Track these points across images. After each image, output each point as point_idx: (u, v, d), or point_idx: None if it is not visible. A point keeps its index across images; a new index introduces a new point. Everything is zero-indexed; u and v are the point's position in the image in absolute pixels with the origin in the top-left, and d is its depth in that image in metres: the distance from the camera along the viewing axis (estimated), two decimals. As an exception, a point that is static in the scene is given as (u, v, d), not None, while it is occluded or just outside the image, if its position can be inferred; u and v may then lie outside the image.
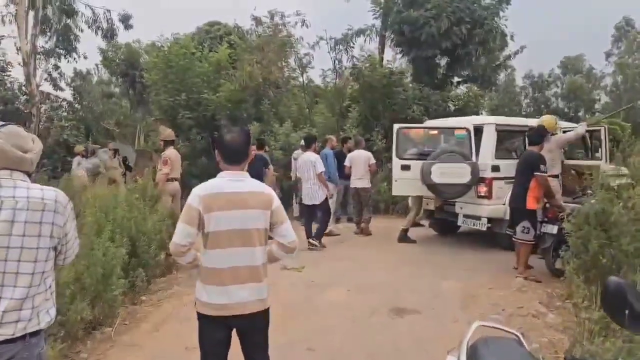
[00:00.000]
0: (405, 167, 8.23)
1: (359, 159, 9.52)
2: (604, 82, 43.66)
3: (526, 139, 7.39)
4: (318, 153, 8.90)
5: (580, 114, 42.11)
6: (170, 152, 7.86)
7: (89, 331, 4.50)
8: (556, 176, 7.11)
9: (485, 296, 5.61)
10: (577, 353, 3.41)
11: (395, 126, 8.51)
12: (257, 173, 7.63)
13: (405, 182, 8.26)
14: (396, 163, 8.35)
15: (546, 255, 6.39)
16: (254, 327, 2.72)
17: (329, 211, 8.72)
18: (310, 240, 8.17)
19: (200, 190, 2.55)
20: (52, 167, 13.95)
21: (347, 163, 9.55)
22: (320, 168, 8.19)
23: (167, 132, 8.37)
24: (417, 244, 8.51)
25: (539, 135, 6.64)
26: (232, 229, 2.54)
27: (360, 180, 9.46)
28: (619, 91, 40.95)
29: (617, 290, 1.41)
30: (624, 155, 6.62)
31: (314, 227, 8.44)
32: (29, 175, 2.20)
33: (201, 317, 2.63)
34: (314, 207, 8.34)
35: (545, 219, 6.32)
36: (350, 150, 9.90)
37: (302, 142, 9.35)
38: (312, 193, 8.23)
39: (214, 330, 2.62)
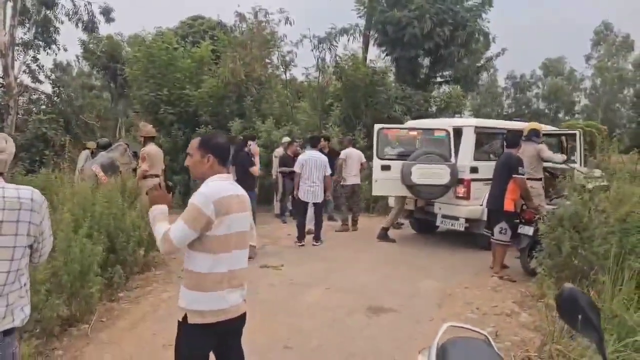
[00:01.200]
0: (386, 167, 8.28)
1: (354, 157, 9.69)
2: (584, 85, 44.52)
3: (504, 141, 7.50)
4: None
5: (560, 115, 42.88)
6: (150, 148, 7.81)
7: (65, 328, 4.47)
8: (539, 179, 7.22)
9: (461, 295, 5.71)
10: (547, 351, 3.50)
11: (376, 126, 8.55)
12: (244, 171, 7.72)
13: (385, 182, 8.32)
14: (376, 163, 8.41)
15: (522, 255, 6.52)
16: (239, 329, 2.73)
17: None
18: (314, 243, 8.46)
19: (211, 194, 2.46)
20: (30, 160, 13.69)
21: (342, 156, 9.69)
22: (329, 170, 8.59)
23: (147, 128, 8.28)
24: (396, 243, 8.58)
25: (517, 137, 6.77)
26: (240, 231, 2.57)
27: (355, 177, 9.68)
28: (598, 94, 41.79)
29: (570, 297, 1.47)
30: (599, 158, 6.80)
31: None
32: (1, 175, 2.20)
33: (193, 328, 2.49)
34: (314, 205, 8.51)
35: (522, 220, 6.44)
36: (342, 149, 10.00)
37: (304, 141, 9.99)
38: (318, 191, 8.43)
39: (207, 340, 2.55)
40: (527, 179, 6.57)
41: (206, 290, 2.47)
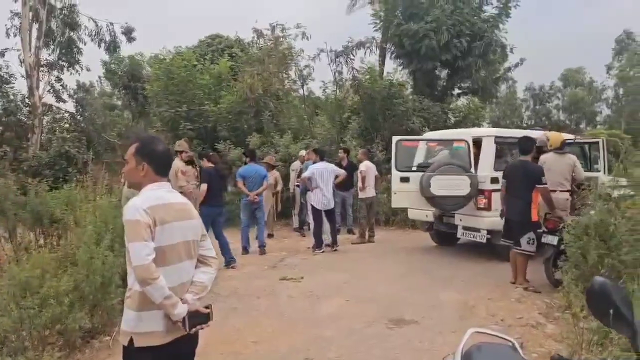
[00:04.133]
0: (405, 179, 8.26)
1: (372, 169, 9.73)
2: (605, 95, 43.88)
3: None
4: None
5: (581, 125, 42.28)
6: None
7: (87, 340, 4.51)
8: (568, 191, 7.04)
9: (484, 307, 5.59)
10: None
11: (394, 138, 8.54)
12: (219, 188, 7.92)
13: (405, 194, 8.30)
14: (395, 175, 8.39)
15: (546, 265, 6.37)
16: (193, 348, 2.49)
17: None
18: (336, 248, 8.87)
19: (143, 203, 2.26)
20: (54, 177, 13.96)
21: (363, 168, 9.63)
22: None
23: (177, 142, 8.69)
24: (415, 255, 8.50)
25: (530, 144, 6.63)
26: (183, 241, 2.37)
27: (372, 189, 9.72)
28: (621, 104, 41.14)
29: (601, 291, 1.41)
30: (623, 166, 6.64)
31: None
32: None
33: (141, 352, 2.27)
34: (328, 212, 8.79)
35: (546, 230, 6.31)
36: (360, 161, 9.98)
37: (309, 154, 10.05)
38: (330, 199, 8.74)
39: None
40: (559, 190, 6.45)
41: (153, 308, 2.24)
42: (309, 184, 8.68)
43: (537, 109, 45.08)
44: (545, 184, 6.25)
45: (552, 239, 6.14)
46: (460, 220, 8.00)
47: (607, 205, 5.19)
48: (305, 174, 8.84)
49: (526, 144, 6.60)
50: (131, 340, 2.27)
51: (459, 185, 7.58)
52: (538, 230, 6.28)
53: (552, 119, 43.80)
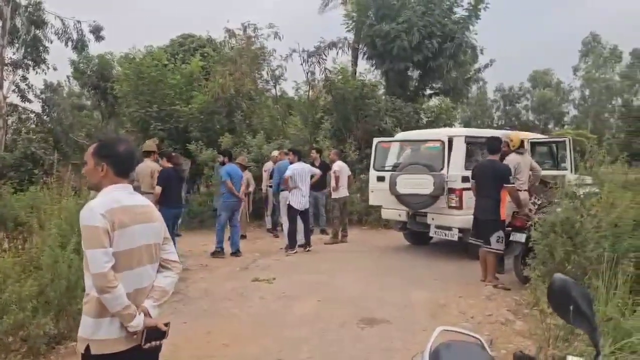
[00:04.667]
0: (381, 179, 8.58)
1: (344, 170, 9.81)
2: (572, 96, 45.05)
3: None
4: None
5: (550, 126, 43.27)
6: (141, 165, 7.89)
7: (53, 346, 4.37)
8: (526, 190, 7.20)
9: (455, 305, 5.65)
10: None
11: (375, 140, 8.98)
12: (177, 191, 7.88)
13: (380, 192, 8.65)
14: (372, 174, 8.81)
15: (515, 263, 6.48)
16: (155, 354, 2.39)
17: None
18: (309, 248, 8.89)
19: (99, 208, 2.18)
20: (19, 179, 13.58)
21: (336, 168, 9.67)
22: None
23: (145, 143, 8.55)
24: (388, 255, 8.56)
25: (497, 143, 6.74)
26: (144, 244, 2.29)
27: (345, 189, 9.81)
28: (587, 104, 42.27)
29: (562, 287, 1.44)
30: (589, 165, 6.80)
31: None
32: None
33: (99, 359, 2.21)
34: (303, 212, 8.84)
35: (514, 228, 6.41)
36: (332, 161, 10.00)
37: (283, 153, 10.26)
38: (307, 199, 8.86)
39: None
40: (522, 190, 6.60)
41: (111, 315, 2.18)
42: (291, 183, 8.66)
43: (507, 110, 46.02)
44: (513, 183, 6.37)
45: (520, 237, 6.26)
46: (433, 219, 8.10)
47: (573, 203, 5.30)
48: (286, 174, 8.80)
49: (494, 144, 6.71)
50: (88, 348, 2.21)
51: (422, 184, 7.77)
52: (507, 229, 6.40)
53: (521, 119, 44.77)
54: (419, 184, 7.76)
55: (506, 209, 6.41)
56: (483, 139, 8.60)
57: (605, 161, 6.31)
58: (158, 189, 7.43)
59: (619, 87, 40.52)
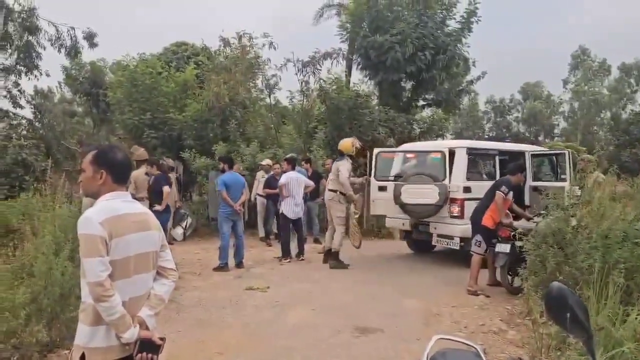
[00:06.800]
0: (382, 188, 8.72)
1: None
2: (562, 108, 45.46)
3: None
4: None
5: (540, 137, 43.61)
6: (135, 173, 7.94)
7: (45, 354, 4.33)
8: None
9: (448, 314, 5.69)
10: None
11: (376, 150, 9.15)
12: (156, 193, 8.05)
13: (382, 202, 8.82)
14: (374, 184, 8.93)
15: (502, 273, 6.57)
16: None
17: None
18: (302, 257, 8.88)
19: (97, 216, 2.18)
20: (10, 186, 13.46)
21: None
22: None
23: (139, 152, 8.57)
24: (382, 263, 8.60)
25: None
26: (140, 252, 2.30)
27: None
28: (576, 117, 42.67)
29: (559, 295, 1.47)
30: (580, 176, 6.90)
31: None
32: None
33: None
34: (295, 221, 8.89)
35: (499, 239, 6.50)
36: (329, 171, 10.00)
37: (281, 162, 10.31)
38: (301, 208, 8.92)
39: None
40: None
41: (107, 323, 2.19)
42: (285, 192, 8.69)
43: (498, 121, 46.31)
44: (504, 192, 6.48)
45: (505, 247, 6.35)
46: (435, 228, 8.26)
47: (565, 214, 5.37)
48: (280, 181, 8.88)
49: (513, 166, 7.11)
50: (83, 356, 2.20)
51: (427, 194, 7.90)
52: (493, 240, 6.50)
53: (512, 130, 45.06)
54: (424, 193, 7.91)
55: (491, 218, 6.55)
56: (485, 150, 8.91)
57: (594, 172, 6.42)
58: (167, 189, 8.03)
59: (607, 100, 40.97)
